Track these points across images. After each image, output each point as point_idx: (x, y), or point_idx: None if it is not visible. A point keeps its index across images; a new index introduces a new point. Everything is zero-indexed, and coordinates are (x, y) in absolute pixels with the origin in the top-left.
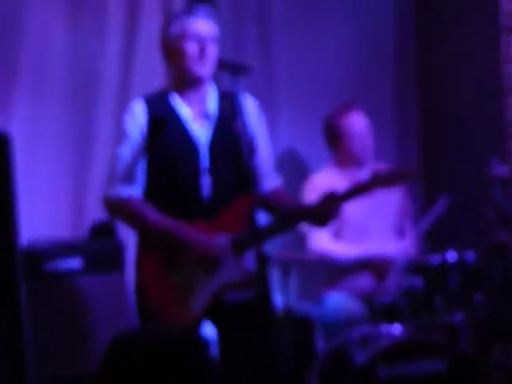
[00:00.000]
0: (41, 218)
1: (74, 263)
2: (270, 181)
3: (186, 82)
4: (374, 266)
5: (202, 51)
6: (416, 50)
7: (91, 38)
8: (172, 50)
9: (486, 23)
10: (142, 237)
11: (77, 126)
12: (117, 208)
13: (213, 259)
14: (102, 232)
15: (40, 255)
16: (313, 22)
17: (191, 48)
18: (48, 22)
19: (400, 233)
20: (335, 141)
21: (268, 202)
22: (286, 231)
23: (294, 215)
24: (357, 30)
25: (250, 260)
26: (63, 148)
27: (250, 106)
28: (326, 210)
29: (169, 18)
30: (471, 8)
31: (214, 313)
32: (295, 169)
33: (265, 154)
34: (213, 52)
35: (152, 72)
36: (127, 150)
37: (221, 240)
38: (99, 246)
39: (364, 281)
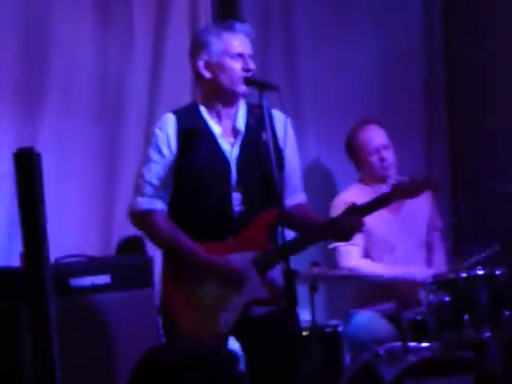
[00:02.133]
0: (69, 235)
1: (103, 279)
2: (296, 197)
3: (221, 97)
4: (402, 290)
5: (245, 69)
6: (444, 63)
7: (119, 51)
8: (212, 65)
9: None
10: (167, 253)
11: (105, 140)
12: (140, 221)
13: (234, 281)
14: (130, 248)
15: (68, 272)
16: (340, 36)
17: (236, 66)
18: (76, 36)
19: (429, 248)
20: (356, 157)
21: (291, 218)
22: (308, 247)
23: (317, 231)
24: (384, 44)
25: (277, 274)
26: (91, 163)
27: (280, 120)
28: (349, 224)
29: (205, 32)
30: (498, 22)
31: (239, 328)
32: (322, 184)
33: (292, 170)
34: (253, 69)
35: (180, 85)
36: (156, 163)
37: (243, 259)
38: (127, 261)
39: (391, 300)
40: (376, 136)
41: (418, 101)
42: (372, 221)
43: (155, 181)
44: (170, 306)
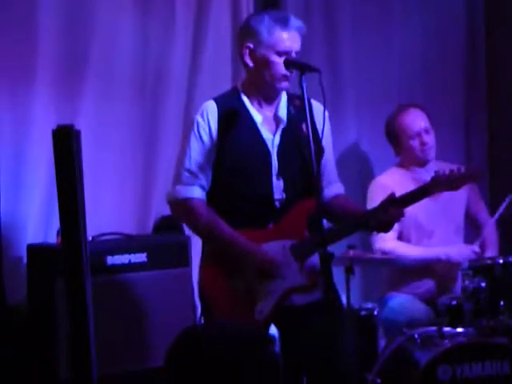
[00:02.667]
0: (106, 213)
1: (139, 258)
2: (335, 187)
3: (262, 89)
4: (439, 270)
5: (290, 72)
6: (486, 51)
7: (159, 35)
8: (257, 56)
9: None
10: (206, 240)
11: (144, 123)
12: (179, 208)
13: (271, 273)
14: (167, 227)
15: (105, 249)
16: (381, 20)
17: (280, 62)
18: (116, 20)
19: (478, 228)
20: (396, 141)
21: (330, 209)
22: (347, 236)
23: (357, 221)
24: (426, 30)
25: (315, 259)
26: (130, 144)
27: (319, 111)
28: (388, 215)
29: (257, 20)
30: None
31: (281, 318)
32: (361, 168)
33: (329, 161)
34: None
35: (219, 71)
36: (196, 151)
37: (282, 247)
38: (164, 240)
39: (427, 283)
40: (417, 119)
41: (459, 91)
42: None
43: (195, 168)
44: (208, 292)
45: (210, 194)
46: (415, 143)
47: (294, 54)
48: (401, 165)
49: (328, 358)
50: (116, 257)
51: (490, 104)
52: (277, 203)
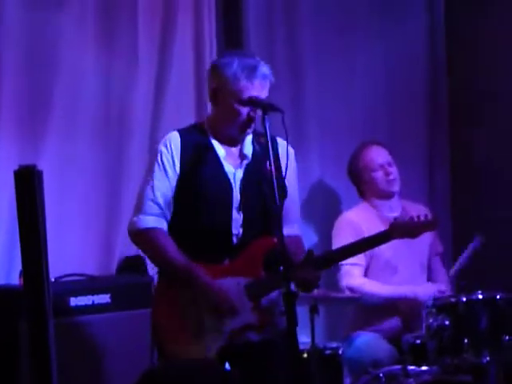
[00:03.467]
0: (69, 254)
1: (103, 299)
2: (291, 228)
3: (227, 131)
4: (406, 308)
5: (252, 117)
6: (448, 88)
7: (122, 74)
8: (223, 102)
9: None
10: (162, 273)
11: (107, 163)
12: (139, 238)
13: (222, 308)
14: (131, 268)
15: (68, 291)
16: (345, 58)
17: (244, 111)
18: (79, 59)
19: (430, 272)
20: (359, 178)
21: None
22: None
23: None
24: (389, 67)
25: (271, 298)
26: (93, 182)
27: (283, 149)
28: (307, 277)
29: (227, 62)
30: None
31: (233, 353)
32: (326, 202)
33: (292, 201)
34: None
35: (183, 109)
36: (159, 181)
37: (236, 284)
38: (128, 281)
39: (393, 321)
40: (379, 154)
41: (422, 125)
42: None
43: (158, 199)
44: (160, 326)
45: (171, 226)
46: (379, 175)
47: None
48: (365, 201)
49: None
50: (79, 298)
51: (452, 140)
52: (234, 238)
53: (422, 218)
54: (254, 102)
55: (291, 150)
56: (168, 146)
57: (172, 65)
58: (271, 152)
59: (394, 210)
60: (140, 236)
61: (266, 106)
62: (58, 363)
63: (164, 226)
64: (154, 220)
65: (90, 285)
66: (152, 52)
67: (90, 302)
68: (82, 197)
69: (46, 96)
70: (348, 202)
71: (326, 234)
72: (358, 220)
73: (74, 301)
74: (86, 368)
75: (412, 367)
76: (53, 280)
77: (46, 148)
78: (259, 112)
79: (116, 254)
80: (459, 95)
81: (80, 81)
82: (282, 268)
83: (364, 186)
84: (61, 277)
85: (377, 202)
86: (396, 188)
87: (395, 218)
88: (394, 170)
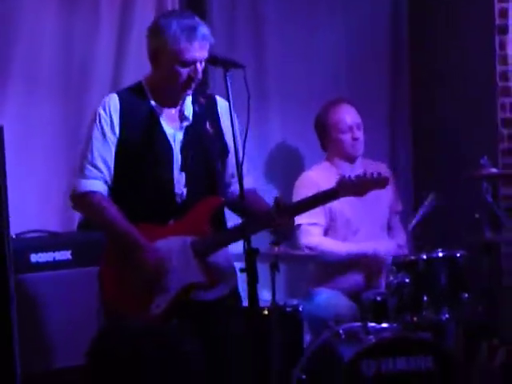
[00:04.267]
0: (31, 210)
1: (64, 255)
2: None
3: (166, 92)
4: (366, 264)
5: (191, 78)
6: (409, 49)
7: (83, 34)
8: (162, 62)
9: (480, 23)
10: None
11: (68, 120)
12: (79, 202)
13: (152, 269)
14: (91, 225)
15: (29, 247)
16: (306, 16)
17: (183, 72)
18: (40, 21)
19: (389, 230)
20: (325, 134)
21: (236, 204)
22: (249, 236)
23: (255, 222)
24: (351, 26)
25: (219, 257)
26: (54, 141)
27: (224, 109)
28: (278, 222)
29: (167, 22)
30: (464, 9)
31: (186, 313)
32: (287, 164)
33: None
34: (201, 72)
35: (143, 71)
36: (98, 144)
37: (182, 243)
38: (88, 237)
39: (354, 278)
40: (349, 114)
41: (383, 86)
42: (336, 202)
43: (98, 162)
44: (105, 285)
45: (113, 189)
46: (346, 137)
47: (198, 64)
48: (328, 160)
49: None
50: (40, 254)
51: (413, 100)
52: (178, 198)
53: (370, 176)
54: (215, 59)
55: (230, 106)
56: (107, 108)
57: (133, 25)
58: (232, 112)
59: (355, 170)
60: (80, 199)
61: (228, 63)
62: (18, 319)
63: (104, 189)
64: (94, 183)
65: (50, 241)
66: (113, 12)
67: (51, 259)
68: (42, 153)
69: (7, 56)
70: (309, 162)
71: (287, 194)
72: (317, 179)
73: (34, 257)
74: (45, 324)
75: (372, 324)
76: (14, 236)
77: (7, 107)
78: (200, 69)
79: (76, 213)
80: (421, 56)
81: (41, 41)
82: (242, 222)
83: (329, 144)
84: (22, 233)
85: (338, 162)
86: (360, 152)
87: (342, 176)
88: (360, 133)
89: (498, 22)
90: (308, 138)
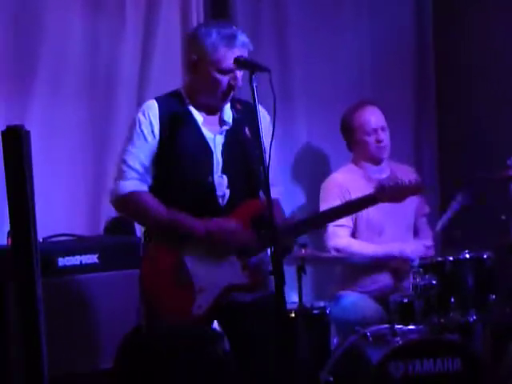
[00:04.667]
0: (57, 214)
1: (90, 259)
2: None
3: (204, 100)
4: (393, 266)
5: (232, 86)
6: (435, 51)
7: (109, 37)
8: (202, 71)
9: (510, 20)
10: (148, 234)
11: (94, 123)
12: (125, 204)
13: (220, 239)
14: (119, 228)
15: (56, 251)
16: (332, 20)
17: (223, 80)
18: (67, 21)
19: (416, 233)
20: (351, 136)
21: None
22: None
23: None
24: (376, 27)
25: (260, 258)
26: (80, 144)
27: (263, 116)
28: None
29: (205, 32)
30: (493, 9)
31: (221, 314)
32: (312, 165)
33: (271, 164)
34: (240, 80)
35: (169, 72)
36: (139, 149)
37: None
38: (115, 241)
39: (380, 280)
40: (374, 117)
41: (409, 88)
42: None
43: (138, 166)
44: (148, 288)
45: (154, 193)
46: (371, 140)
47: (238, 72)
48: (354, 162)
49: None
50: (67, 258)
51: (440, 101)
52: (220, 200)
53: (408, 183)
54: (240, 62)
55: (265, 113)
56: (146, 114)
57: (158, 25)
58: (259, 113)
59: (382, 172)
60: (123, 201)
61: (254, 66)
62: (45, 324)
63: (145, 188)
64: (134, 184)
65: (77, 245)
66: (138, 12)
67: (78, 262)
68: (69, 157)
69: (33, 58)
70: (335, 163)
71: (313, 196)
72: (344, 181)
73: (61, 261)
74: (73, 328)
75: (399, 326)
76: (41, 240)
77: (32, 110)
78: (240, 77)
79: (104, 214)
80: (446, 62)
81: (66, 42)
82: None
83: (354, 146)
84: (49, 237)
85: (365, 164)
86: (386, 154)
87: (381, 181)
88: (385, 136)
89: None
90: (333, 139)
